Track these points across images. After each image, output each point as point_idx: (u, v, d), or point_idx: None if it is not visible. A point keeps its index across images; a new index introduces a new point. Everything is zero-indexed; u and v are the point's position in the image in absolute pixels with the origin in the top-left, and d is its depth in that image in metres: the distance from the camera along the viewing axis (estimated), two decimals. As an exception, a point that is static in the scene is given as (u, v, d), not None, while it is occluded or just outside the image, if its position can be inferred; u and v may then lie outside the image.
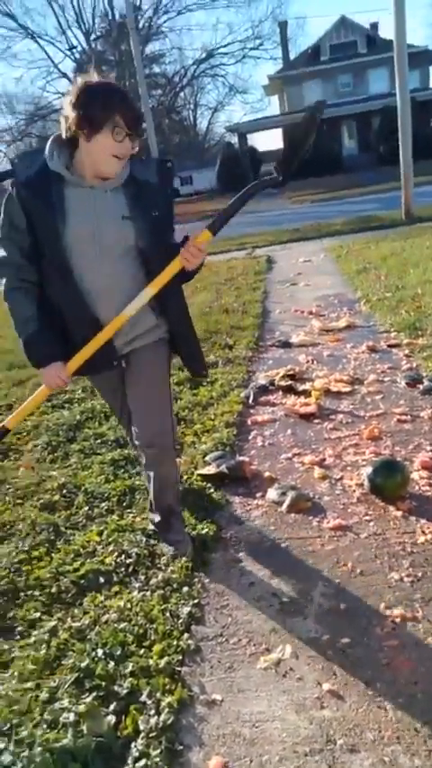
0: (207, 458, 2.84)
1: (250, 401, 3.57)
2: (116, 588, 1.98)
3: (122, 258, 1.83)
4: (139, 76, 19.67)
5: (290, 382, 3.75)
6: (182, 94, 37.09)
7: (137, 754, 1.35)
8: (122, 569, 2.07)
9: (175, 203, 1.95)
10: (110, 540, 2.27)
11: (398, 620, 1.72)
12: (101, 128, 1.67)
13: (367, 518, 2.24)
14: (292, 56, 36.28)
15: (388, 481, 2.32)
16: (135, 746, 1.38)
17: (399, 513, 2.23)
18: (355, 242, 9.20)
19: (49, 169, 1.73)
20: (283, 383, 3.75)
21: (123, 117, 1.68)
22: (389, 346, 4.22)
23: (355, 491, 2.43)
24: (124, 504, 2.55)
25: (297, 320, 5.38)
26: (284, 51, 37.23)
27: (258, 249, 10.51)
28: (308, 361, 4.16)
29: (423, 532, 2.09)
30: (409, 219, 10.68)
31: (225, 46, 44.95)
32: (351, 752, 1.35)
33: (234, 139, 33.30)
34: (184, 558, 2.06)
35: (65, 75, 31.56)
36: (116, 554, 2.16)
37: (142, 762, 1.32)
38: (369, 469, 2.37)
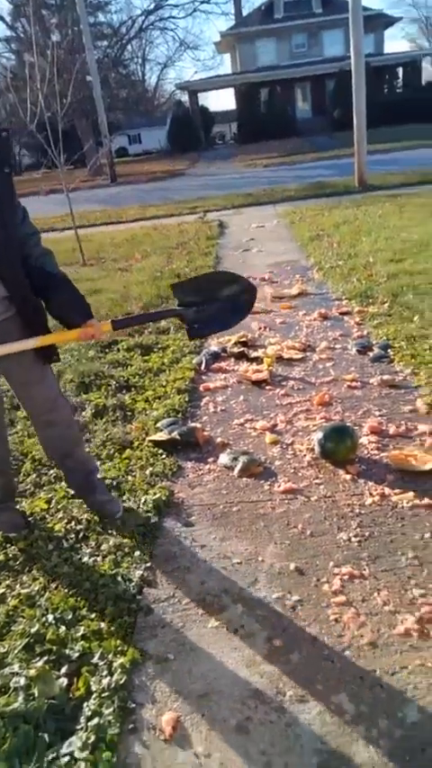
0: (159, 424, 2.84)
1: (202, 368, 3.58)
2: (66, 555, 1.98)
3: None
4: (82, 24, 18.73)
5: (242, 349, 3.77)
6: (129, 47, 35.51)
7: (89, 713, 1.38)
8: (72, 536, 2.07)
9: (13, 181, 1.78)
10: (59, 507, 2.25)
11: (346, 577, 1.80)
12: None
13: (317, 481, 2.31)
14: (244, 12, 35.31)
15: (338, 446, 2.39)
16: (87, 706, 1.40)
17: (348, 477, 2.31)
18: (308, 208, 9.23)
19: None
20: (235, 350, 3.77)
21: None
22: (340, 314, 4.29)
23: (305, 456, 2.49)
24: (73, 470, 2.52)
25: (250, 287, 5.38)
26: (237, 7, 36.17)
27: (210, 213, 10.38)
28: (260, 328, 4.19)
29: (371, 494, 2.18)
30: (362, 187, 10.78)
31: (175, -3, 43.39)
32: (300, 702, 1.42)
33: (185, 98, 32.45)
34: (132, 521, 2.09)
35: (1, 19, 29.63)
36: (65, 521, 2.15)
37: (95, 720, 1.35)
38: (320, 434, 2.44)
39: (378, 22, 29.21)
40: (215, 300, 2.04)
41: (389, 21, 31.48)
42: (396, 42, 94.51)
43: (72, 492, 2.31)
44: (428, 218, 7.07)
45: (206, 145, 30.65)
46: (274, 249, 6.83)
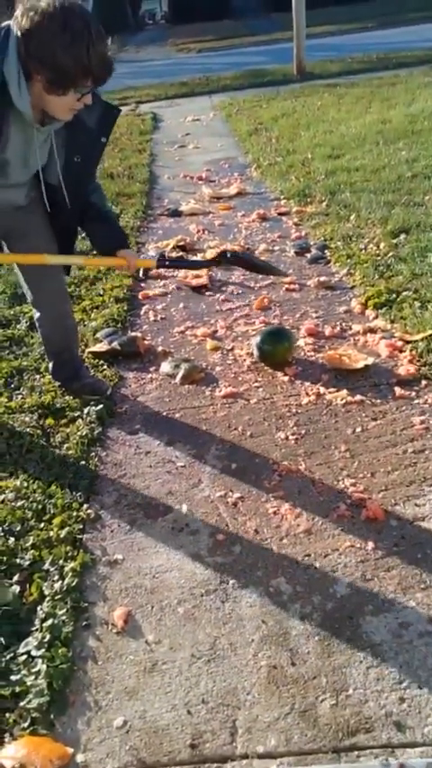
0: (98, 335, 2.76)
1: (140, 275, 3.44)
2: (11, 469, 1.96)
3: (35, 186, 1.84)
4: None
5: (181, 254, 3.64)
6: None
7: (43, 615, 1.43)
8: (16, 450, 2.04)
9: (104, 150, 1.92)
10: (0, 422, 2.20)
11: (283, 473, 1.88)
12: (68, 91, 1.51)
13: (256, 385, 2.34)
14: None
15: (275, 348, 2.40)
16: (41, 609, 1.45)
17: (285, 378, 2.34)
18: (245, 99, 8.65)
19: (4, 83, 1.47)
20: (173, 255, 3.63)
21: (95, 80, 1.50)
22: (279, 214, 4.17)
23: (245, 360, 2.50)
24: (12, 385, 2.45)
25: (187, 186, 5.12)
26: None
27: (143, 105, 9.58)
28: (198, 231, 4.03)
29: (307, 394, 2.23)
30: (301, 76, 10.13)
31: None
32: (242, 588, 1.51)
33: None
34: (93, 410, 2.19)
35: None
36: (8, 436, 2.11)
37: (49, 621, 1.40)
38: (257, 338, 2.43)
39: None
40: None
41: None
42: None
43: (12, 405, 2.25)
44: (366, 111, 6.78)
45: (135, 25, 27.69)
46: (211, 145, 6.45)
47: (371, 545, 1.59)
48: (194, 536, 1.68)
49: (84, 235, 2.14)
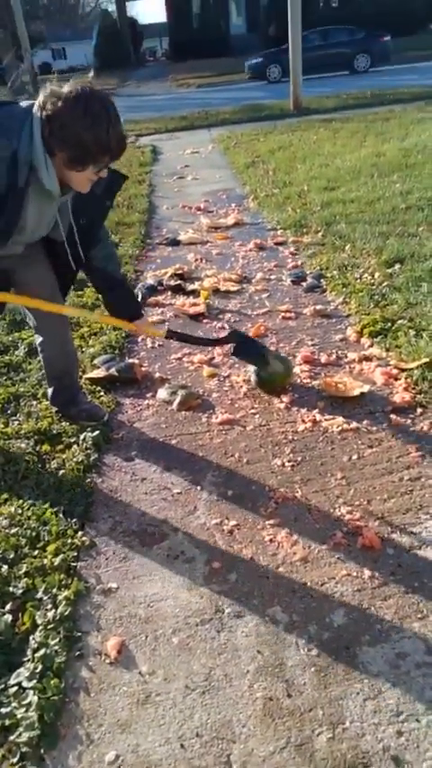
0: (96, 361, 2.77)
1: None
2: (5, 495, 1.95)
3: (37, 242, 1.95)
4: None
5: (178, 282, 3.69)
6: None
7: (35, 645, 1.40)
8: (11, 476, 2.03)
9: (108, 213, 2.04)
10: (-4, 448, 2.20)
11: (279, 500, 1.87)
12: (87, 167, 1.63)
13: (253, 411, 2.35)
14: None
15: (273, 375, 2.42)
16: (33, 639, 1.43)
17: (281, 405, 2.35)
18: (243, 133, 8.88)
19: (32, 166, 1.60)
20: (171, 283, 3.68)
21: (112, 156, 1.63)
22: (275, 244, 4.24)
23: (242, 387, 2.52)
24: (9, 411, 2.45)
25: (185, 216, 5.21)
26: None
27: (143, 137, 9.82)
28: (196, 260, 4.10)
29: (303, 421, 2.24)
30: (298, 111, 10.43)
31: None
32: (237, 617, 1.50)
33: (112, 7, 29.79)
34: (90, 436, 2.20)
35: None
36: (3, 461, 2.10)
37: (41, 651, 1.38)
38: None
39: None
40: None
41: None
42: None
43: (8, 431, 2.26)
44: (361, 145, 6.96)
45: (136, 61, 28.55)
46: (210, 177, 6.59)
47: (367, 573, 1.58)
48: (190, 564, 1.67)
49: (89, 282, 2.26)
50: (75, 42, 34.89)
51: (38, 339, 2.27)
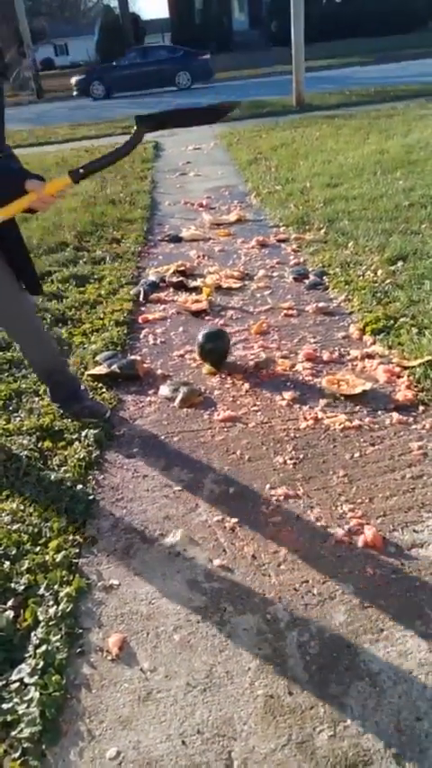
0: (98, 358, 2.77)
1: (141, 299, 3.48)
2: (7, 492, 1.95)
3: None
4: None
5: (181, 278, 3.68)
6: None
7: (37, 641, 1.40)
8: (12, 473, 2.03)
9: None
10: (-3, 445, 2.20)
11: (281, 498, 1.87)
12: None
13: (255, 408, 2.34)
14: None
15: (216, 344, 2.64)
16: (35, 635, 1.43)
17: (283, 403, 2.35)
18: (246, 129, 8.85)
19: None
20: (173, 279, 3.68)
21: None
22: (278, 241, 4.23)
23: (243, 384, 2.51)
24: (11, 408, 2.45)
25: (187, 213, 5.20)
26: None
27: (145, 134, 9.78)
28: (199, 257, 4.09)
29: (305, 419, 2.24)
30: (300, 107, 10.40)
31: None
32: (239, 614, 1.50)
33: (114, 2, 29.70)
34: (92, 433, 2.18)
35: None
36: (5, 458, 2.10)
37: (43, 648, 1.38)
38: (200, 336, 2.67)
39: None
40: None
41: None
42: None
43: (10, 427, 2.26)
44: (364, 142, 6.94)
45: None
46: (212, 173, 6.58)
47: (369, 571, 1.58)
48: (191, 561, 1.67)
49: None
50: (77, 38, 34.76)
51: (15, 345, 2.23)
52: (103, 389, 2.53)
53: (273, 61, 19.07)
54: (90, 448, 2.13)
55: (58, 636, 1.42)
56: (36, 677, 1.32)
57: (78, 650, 1.43)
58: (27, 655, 1.39)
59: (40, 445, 2.17)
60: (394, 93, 10.60)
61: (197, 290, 3.53)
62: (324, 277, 3.49)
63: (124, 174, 6.73)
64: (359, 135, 7.34)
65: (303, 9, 9.90)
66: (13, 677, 1.33)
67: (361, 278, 3.35)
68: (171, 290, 3.60)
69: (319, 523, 1.76)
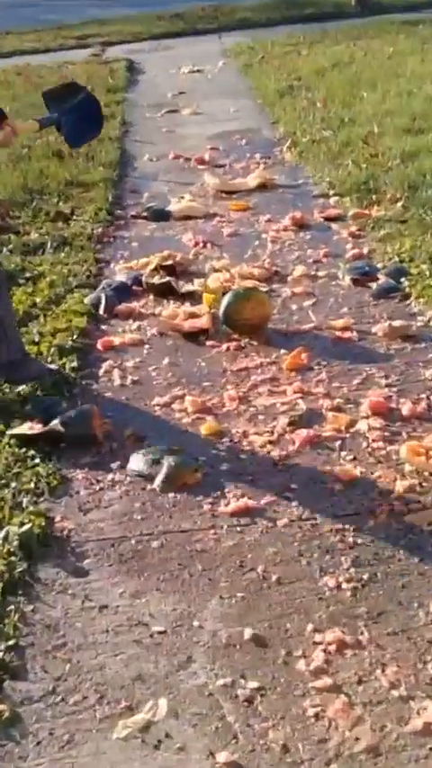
0: (27, 407, 2.79)
1: (101, 311, 3.53)
2: None
3: None
4: None
5: (167, 279, 3.73)
6: None
7: None
8: None
9: None
10: None
11: (332, 647, 1.84)
12: None
13: (288, 494, 2.34)
14: None
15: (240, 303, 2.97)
16: None
17: (337, 486, 2.35)
18: (275, 41, 9.15)
19: None
20: (155, 280, 3.73)
21: None
22: (326, 219, 4.32)
23: (269, 452, 2.52)
24: None
25: (179, 173, 5.33)
26: None
27: (113, 48, 10.15)
28: (197, 244, 4.17)
29: (373, 512, 2.23)
30: (364, 8, 10.76)
31: None
32: None
33: None
34: (15, 531, 2.20)
35: None
36: None
37: None
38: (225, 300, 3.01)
39: None
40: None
41: None
42: None
43: None
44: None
45: None
46: (220, 110, 6.78)
47: None
48: (180, 754, 1.64)
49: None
50: None
51: None
52: (37, 459, 2.54)
53: None
54: (12, 558, 2.13)
55: None
56: None
57: None
58: None
59: None
60: None
61: (193, 297, 3.58)
62: (403, 279, 3.54)
63: (78, 111, 6.93)
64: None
65: None
66: None
67: (463, 280, 3.41)
68: (151, 297, 3.66)
69: (395, 692, 1.73)
